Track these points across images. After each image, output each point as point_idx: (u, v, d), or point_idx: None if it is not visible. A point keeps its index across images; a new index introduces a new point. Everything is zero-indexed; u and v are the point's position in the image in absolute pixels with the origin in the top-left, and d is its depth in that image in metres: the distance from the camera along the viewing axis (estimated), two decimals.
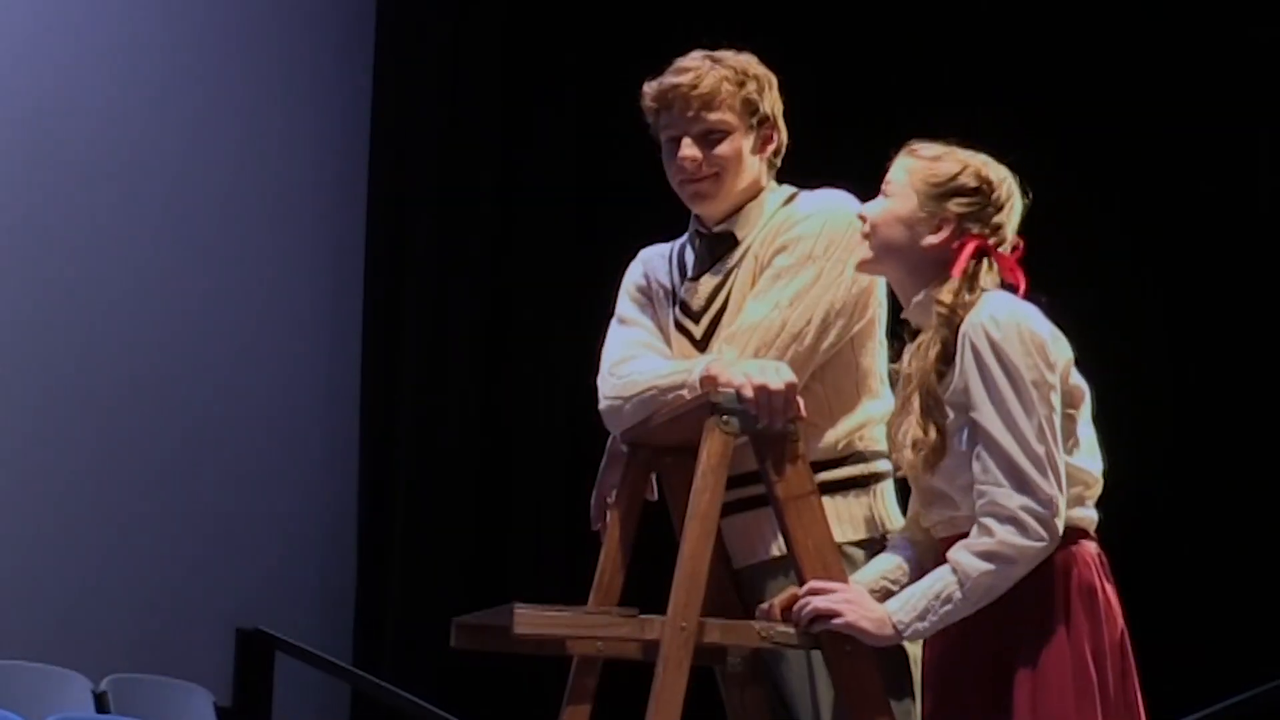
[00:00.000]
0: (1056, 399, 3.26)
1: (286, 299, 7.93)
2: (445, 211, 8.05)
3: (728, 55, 3.69)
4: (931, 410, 3.28)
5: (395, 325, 8.05)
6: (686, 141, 3.63)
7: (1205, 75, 7.62)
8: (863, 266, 3.46)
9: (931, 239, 3.37)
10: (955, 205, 3.37)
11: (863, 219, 3.43)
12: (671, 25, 7.02)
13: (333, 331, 8.07)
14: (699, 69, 3.64)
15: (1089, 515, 3.35)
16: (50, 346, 7.17)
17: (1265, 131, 7.55)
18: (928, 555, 3.38)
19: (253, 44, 7.92)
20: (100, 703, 6.49)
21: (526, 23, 8.18)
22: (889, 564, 3.43)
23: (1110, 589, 3.33)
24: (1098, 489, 3.37)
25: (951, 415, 3.29)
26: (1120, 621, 3.32)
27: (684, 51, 3.73)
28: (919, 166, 3.39)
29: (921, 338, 3.37)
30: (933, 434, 3.28)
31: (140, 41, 7.56)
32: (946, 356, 3.29)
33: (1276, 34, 7.40)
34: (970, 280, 3.34)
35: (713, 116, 3.62)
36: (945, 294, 3.32)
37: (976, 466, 3.24)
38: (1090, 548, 3.34)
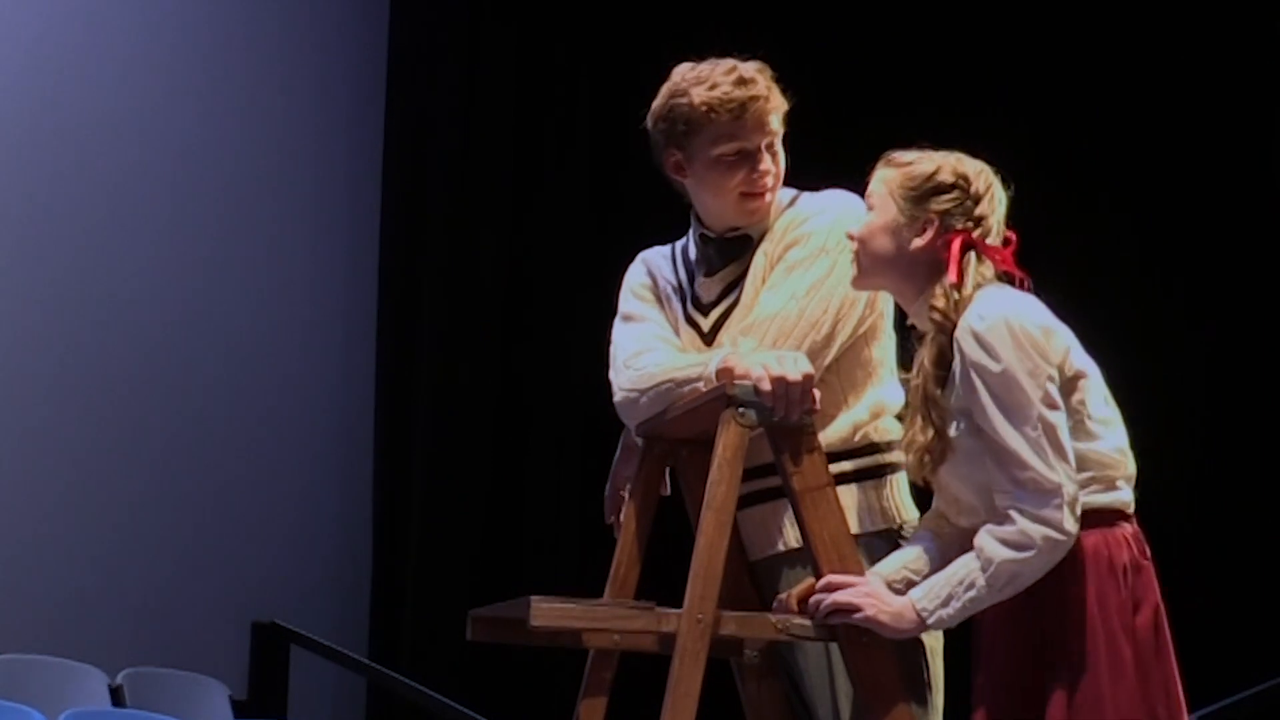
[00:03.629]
0: (1054, 389, 3.26)
1: (301, 293, 7.93)
2: (459, 205, 8.05)
3: (752, 66, 3.67)
4: (929, 412, 3.30)
5: (410, 318, 8.05)
6: (764, 156, 3.62)
7: (1216, 64, 7.62)
8: (857, 283, 3.48)
9: (918, 241, 3.38)
10: (936, 204, 3.38)
11: (851, 238, 3.45)
12: (682, 27, 7.03)
13: (347, 326, 8.07)
14: (759, 80, 3.63)
15: (1122, 497, 3.35)
16: (62, 342, 7.18)
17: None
18: (951, 547, 3.38)
19: (265, 40, 7.92)
20: (116, 696, 6.50)
21: (541, 15, 8.18)
22: (911, 555, 3.43)
23: (1147, 567, 3.34)
24: (1127, 468, 3.36)
25: (961, 421, 3.30)
26: (1156, 599, 3.33)
27: (698, 51, 3.72)
28: (894, 174, 3.42)
29: (920, 352, 3.38)
30: (929, 434, 3.30)
31: (151, 40, 7.56)
32: (943, 361, 3.31)
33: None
34: (962, 278, 3.34)
35: (774, 128, 3.64)
36: (938, 298, 3.33)
37: (993, 472, 3.26)
38: (1126, 529, 3.34)
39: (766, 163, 3.62)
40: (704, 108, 3.60)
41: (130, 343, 7.35)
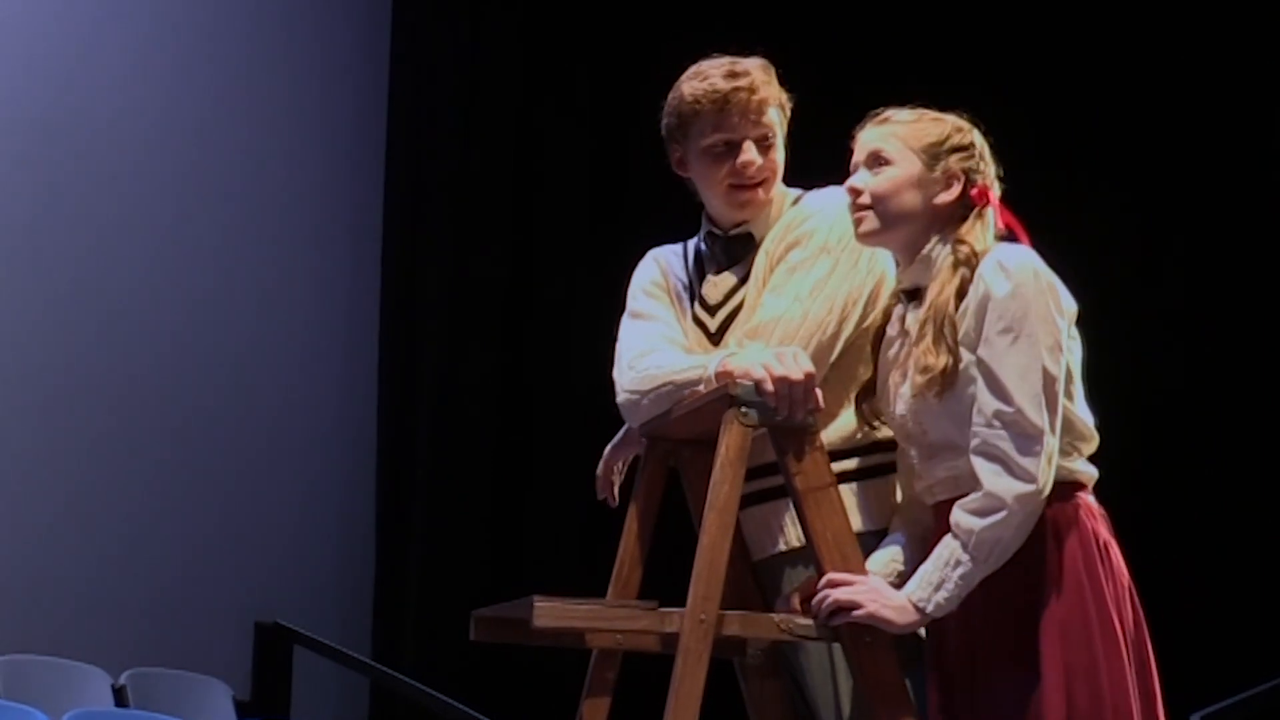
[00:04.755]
0: (1065, 341, 3.30)
1: (304, 295, 7.93)
2: (461, 201, 8.05)
3: (753, 60, 3.69)
4: (945, 337, 3.29)
5: (412, 319, 8.05)
6: (749, 146, 3.62)
7: (1216, 54, 7.63)
8: (869, 238, 3.45)
9: (945, 196, 3.41)
10: (957, 161, 3.42)
11: (856, 191, 3.43)
12: (684, 27, 7.04)
13: (350, 325, 8.07)
14: (751, 73, 3.64)
15: (1088, 470, 3.38)
16: (66, 345, 7.18)
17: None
18: (931, 532, 3.39)
19: (267, 45, 7.92)
20: (119, 697, 6.50)
21: (543, 17, 8.18)
22: (896, 549, 3.44)
23: (1114, 542, 3.36)
24: (1094, 443, 3.39)
25: (963, 354, 3.30)
26: (1125, 573, 3.35)
27: (696, 46, 3.73)
28: (907, 131, 3.43)
29: (931, 288, 3.37)
30: (944, 358, 3.28)
31: (154, 47, 7.56)
32: (963, 292, 3.31)
33: None
34: (983, 225, 3.39)
35: (768, 120, 3.64)
36: (965, 235, 3.36)
37: (977, 402, 3.26)
38: (1093, 500, 3.37)
39: (750, 154, 3.62)
40: (690, 99, 3.64)
41: (134, 345, 7.35)
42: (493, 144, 8.09)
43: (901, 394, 3.39)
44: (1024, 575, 3.27)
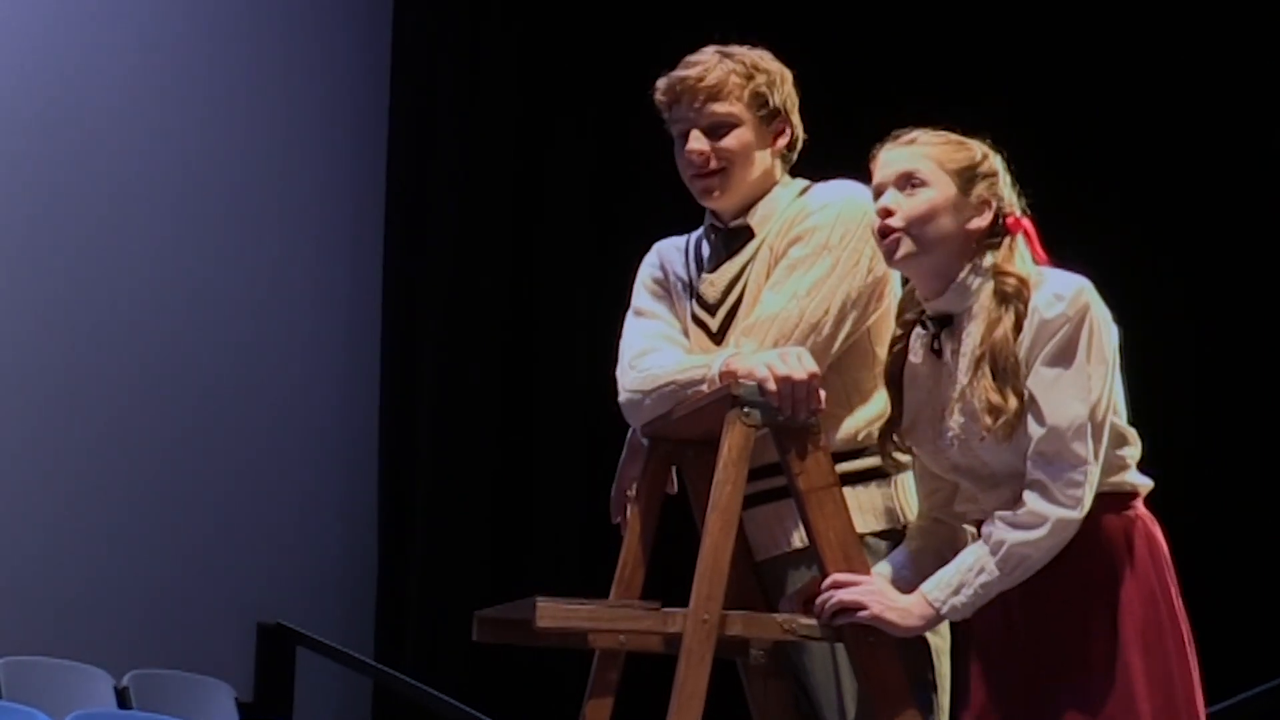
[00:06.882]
0: (1115, 374, 3.28)
1: (306, 295, 7.93)
2: (463, 201, 8.06)
3: (739, 50, 3.68)
4: (1010, 377, 3.24)
5: (414, 319, 8.05)
6: (694, 134, 3.62)
7: (1217, 54, 7.63)
8: (905, 262, 3.36)
9: (979, 222, 3.35)
10: (987, 188, 3.36)
11: (888, 212, 3.34)
12: (686, 25, 7.02)
13: (352, 326, 8.07)
14: (707, 62, 3.63)
15: (1144, 480, 3.36)
16: (65, 341, 7.18)
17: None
18: (945, 546, 3.38)
19: (269, 45, 7.92)
20: (122, 698, 6.51)
21: (543, 17, 8.18)
22: (904, 558, 3.42)
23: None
24: (1139, 449, 3.37)
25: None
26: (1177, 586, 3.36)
27: (698, 47, 3.73)
28: (939, 153, 3.36)
29: (975, 321, 3.32)
30: (1013, 400, 3.23)
31: (154, 46, 7.56)
32: (1019, 327, 3.26)
33: None
34: (1020, 254, 3.34)
35: (719, 108, 3.61)
36: (1006, 265, 3.31)
37: (1031, 434, 3.24)
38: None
39: (695, 143, 3.61)
40: (657, 92, 3.67)
41: (135, 344, 7.35)
42: (494, 145, 8.09)
43: (949, 428, 3.34)
44: (1093, 583, 3.26)
